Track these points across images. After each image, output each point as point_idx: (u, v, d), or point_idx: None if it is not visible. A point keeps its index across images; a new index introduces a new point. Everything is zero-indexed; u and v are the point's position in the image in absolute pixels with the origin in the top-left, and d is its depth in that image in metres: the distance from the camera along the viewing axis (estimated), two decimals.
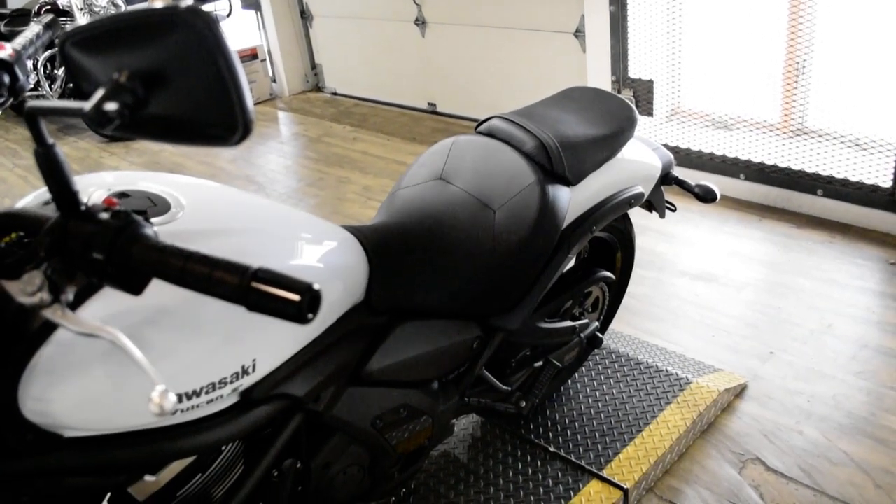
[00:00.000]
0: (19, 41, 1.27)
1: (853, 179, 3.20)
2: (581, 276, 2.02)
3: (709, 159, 3.62)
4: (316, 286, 0.75)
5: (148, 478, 1.20)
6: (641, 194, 1.93)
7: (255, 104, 6.12)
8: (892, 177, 3.09)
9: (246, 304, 0.75)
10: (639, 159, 1.95)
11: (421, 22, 5.06)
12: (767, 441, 2.16)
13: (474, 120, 5.05)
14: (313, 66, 6.21)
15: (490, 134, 1.77)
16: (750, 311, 2.76)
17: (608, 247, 2.19)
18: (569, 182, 1.71)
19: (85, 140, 5.82)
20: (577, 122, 1.79)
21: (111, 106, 0.78)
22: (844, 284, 2.85)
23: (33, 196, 1.19)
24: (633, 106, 1.91)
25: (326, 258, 1.31)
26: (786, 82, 3.49)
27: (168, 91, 0.80)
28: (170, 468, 1.24)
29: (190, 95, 0.79)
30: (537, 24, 4.38)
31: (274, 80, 6.23)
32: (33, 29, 1.31)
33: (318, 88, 6.25)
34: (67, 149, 5.66)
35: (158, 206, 1.18)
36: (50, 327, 0.98)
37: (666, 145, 3.68)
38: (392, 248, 1.50)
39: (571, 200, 1.72)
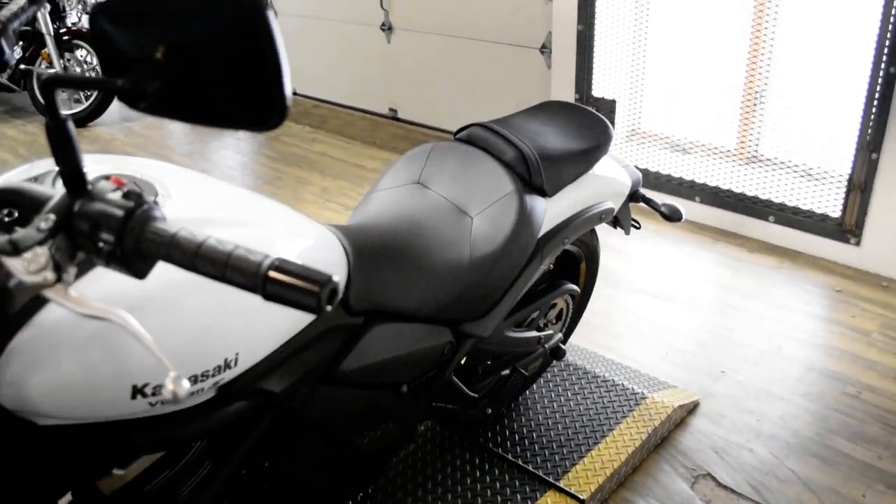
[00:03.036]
0: (4, 13, 1.23)
1: (804, 208, 3.31)
2: (547, 288, 2.04)
3: (666, 181, 3.70)
4: (336, 278, 0.75)
5: (117, 471, 1.17)
6: (612, 209, 1.96)
7: None
8: (840, 207, 3.20)
9: (263, 293, 0.74)
10: (611, 175, 1.99)
11: (387, 27, 5.06)
12: (718, 457, 2.21)
13: (435, 129, 5.07)
14: None
15: (469, 141, 1.78)
16: (703, 331, 2.82)
17: (573, 259, 2.22)
18: (546, 193, 1.73)
19: (33, 124, 5.64)
20: (556, 135, 1.82)
21: (147, 82, 0.76)
22: (793, 308, 2.94)
23: (18, 171, 1.16)
24: (609, 124, 1.94)
25: (309, 254, 1.29)
26: (743, 110, 3.60)
27: (207, 71, 0.79)
28: (137, 463, 1.21)
29: (229, 77, 0.78)
30: (504, 37, 4.43)
31: None
32: (18, 1, 1.27)
33: None
34: (14, 132, 5.49)
35: (146, 191, 1.16)
36: (32, 309, 0.95)
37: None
38: (370, 249, 1.50)
39: (547, 212, 1.74)
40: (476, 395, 1.84)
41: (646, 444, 2.23)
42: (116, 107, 5.88)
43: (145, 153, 4.95)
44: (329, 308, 0.73)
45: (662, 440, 2.29)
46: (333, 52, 5.55)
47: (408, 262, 1.54)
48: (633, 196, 2.14)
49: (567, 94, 3.92)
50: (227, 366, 1.11)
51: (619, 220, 2.18)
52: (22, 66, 5.64)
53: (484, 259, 1.59)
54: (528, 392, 2.38)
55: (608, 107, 3.79)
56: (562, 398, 2.38)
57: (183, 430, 1.14)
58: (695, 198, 3.61)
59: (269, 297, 0.73)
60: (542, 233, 1.75)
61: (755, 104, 3.55)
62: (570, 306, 2.21)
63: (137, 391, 1.02)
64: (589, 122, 1.91)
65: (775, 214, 3.38)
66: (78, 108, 5.50)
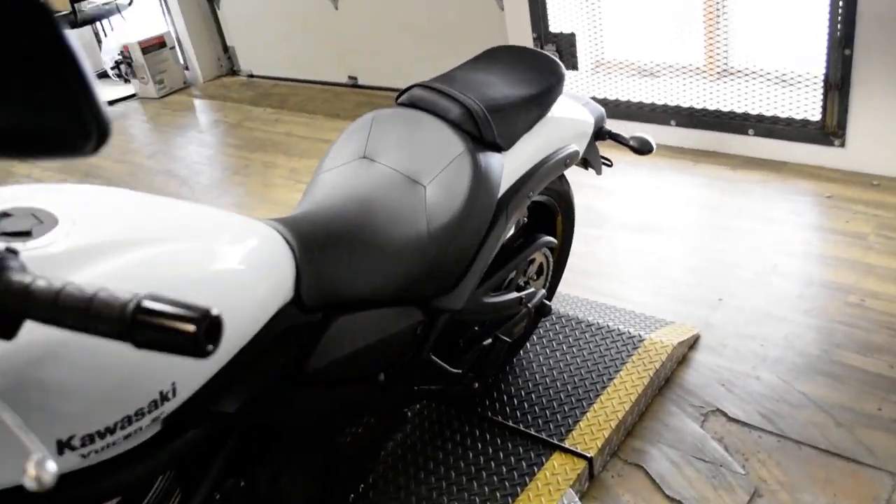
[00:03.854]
0: None
1: (782, 116, 3.18)
2: (522, 245, 1.93)
3: (637, 108, 3.57)
4: (214, 311, 0.64)
5: None
6: (576, 153, 1.85)
7: (169, 94, 5.86)
8: (820, 110, 3.08)
9: (132, 341, 0.63)
10: (570, 116, 1.87)
11: None
12: (726, 390, 2.13)
13: (398, 90, 4.91)
14: (225, 49, 5.96)
15: (412, 104, 1.66)
16: (695, 259, 2.73)
17: (547, 210, 2.11)
18: (500, 148, 1.62)
19: None
20: (503, 83, 1.70)
21: None
22: (783, 221, 2.84)
23: None
24: (559, 61, 1.82)
25: (243, 259, 1.19)
26: (707, 22, 3.45)
27: (3, 99, 0.67)
28: None
29: (31, 102, 0.67)
30: None
31: (186, 68, 5.96)
32: None
33: (233, 72, 6.01)
34: None
35: (45, 223, 1.04)
36: None
37: (594, 98, 3.62)
38: (318, 237, 1.39)
39: (505, 167, 1.63)
40: (460, 371, 1.75)
41: (649, 387, 2.15)
42: None
43: (109, 160, 4.81)
44: (211, 348, 0.63)
45: (666, 381, 2.21)
46: (283, 27, 5.36)
47: (362, 245, 1.44)
48: (599, 133, 2.02)
49: (524, 34, 3.76)
50: (165, 398, 1.02)
51: (589, 161, 2.07)
52: None
53: (443, 229, 1.49)
54: (521, 353, 2.29)
55: (568, 41, 3.65)
56: (557, 354, 2.29)
57: (132, 474, 1.05)
58: (670, 122, 3.49)
59: (141, 345, 0.63)
60: (502, 190, 1.64)
61: (718, 14, 3.40)
62: (550, 259, 2.11)
63: (63, 445, 0.92)
64: (537, 64, 1.79)
65: (754, 127, 3.25)
66: None
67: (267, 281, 1.23)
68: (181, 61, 5.94)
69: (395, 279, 1.46)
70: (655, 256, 2.78)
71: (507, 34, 3.87)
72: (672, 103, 3.48)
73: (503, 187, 1.64)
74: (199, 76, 5.92)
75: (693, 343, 2.34)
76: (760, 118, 3.24)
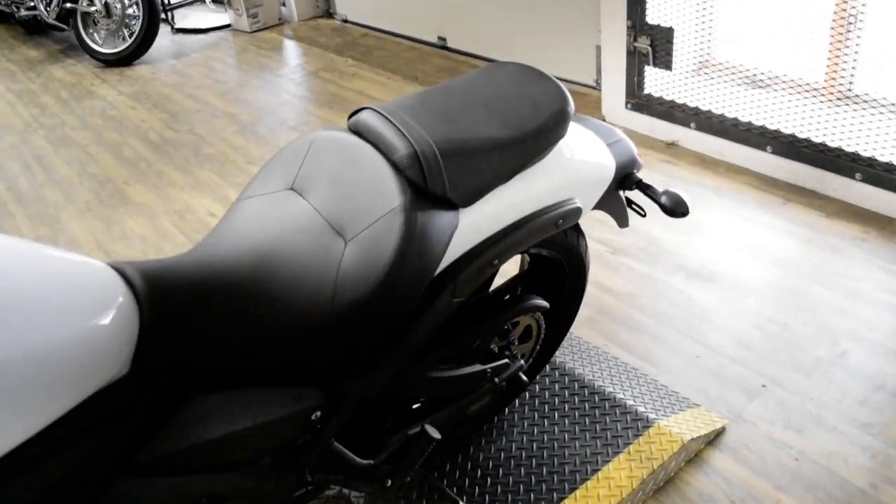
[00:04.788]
0: None
1: None
2: (502, 305, 1.58)
3: (732, 125, 3.07)
4: None
5: None
6: (576, 210, 1.47)
7: (262, 29, 5.67)
8: None
9: None
10: (578, 161, 1.49)
11: None
12: None
13: (484, 58, 4.53)
14: None
15: (358, 132, 1.33)
16: (749, 326, 2.29)
17: (551, 263, 1.75)
18: (454, 204, 1.27)
19: (83, 64, 5.48)
20: (483, 117, 1.34)
21: None
22: (871, 298, 2.34)
23: None
24: (567, 94, 1.43)
25: (50, 313, 0.91)
26: (834, 35, 2.89)
27: None
28: None
29: None
30: None
31: (283, 4, 5.75)
32: None
33: (329, 14, 5.75)
34: (62, 72, 5.35)
35: None
36: None
37: (684, 106, 3.15)
38: (186, 290, 1.10)
39: (460, 228, 1.29)
40: (371, 462, 1.44)
41: (644, 486, 1.79)
42: (162, 44, 5.63)
43: (180, 93, 4.68)
44: None
45: (666, 482, 1.84)
46: None
47: (246, 306, 1.14)
48: (625, 181, 1.63)
49: (618, 22, 3.30)
50: None
51: (611, 211, 1.69)
52: (67, 5, 5.45)
53: (353, 303, 1.17)
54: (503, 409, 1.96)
55: (664, 36, 3.16)
56: (545, 420, 1.95)
57: None
58: (766, 147, 2.98)
59: None
60: (451, 258, 1.30)
61: (848, 26, 2.84)
62: (542, 324, 1.75)
63: None
64: (538, 96, 1.41)
65: (863, 171, 2.72)
66: (122, 46, 5.28)
67: (85, 345, 0.95)
68: None
69: (284, 354, 1.16)
70: (705, 313, 2.35)
71: (600, 15, 3.41)
72: (772, 126, 2.96)
73: (452, 255, 1.29)
74: (294, 14, 5.70)
75: (714, 437, 1.94)
76: (872, 162, 2.69)
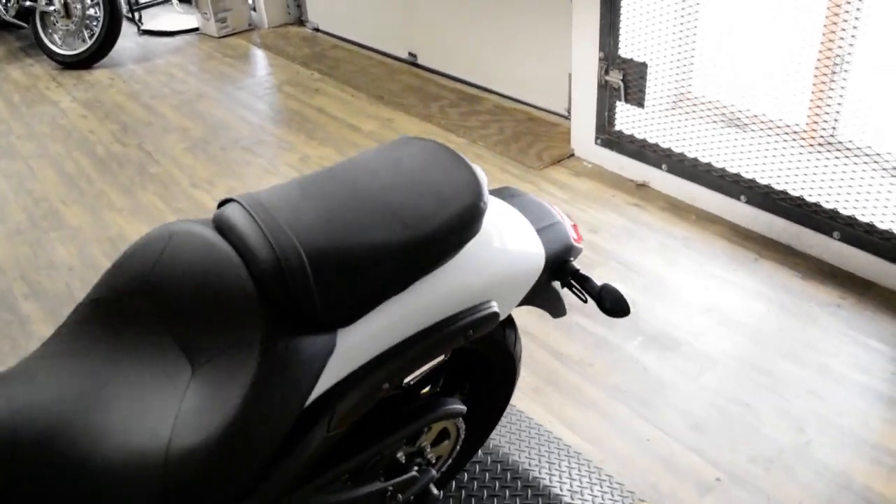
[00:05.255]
0: None
1: (881, 226, 2.43)
2: (408, 415, 1.36)
3: (705, 170, 2.87)
4: None
5: None
6: (492, 316, 1.25)
7: (230, 35, 5.43)
8: None
9: None
10: (500, 255, 1.27)
11: None
12: None
13: (454, 78, 4.32)
14: None
15: (221, 230, 1.10)
16: (707, 406, 2.08)
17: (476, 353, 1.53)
18: (329, 325, 1.06)
19: (41, 65, 5.23)
20: (375, 214, 1.12)
21: None
22: (842, 378, 2.14)
23: None
24: (482, 184, 1.21)
25: None
26: (817, 76, 2.69)
27: None
28: None
29: None
30: None
31: (253, 9, 5.51)
32: None
33: (300, 22, 5.52)
34: (19, 73, 5.10)
35: None
36: None
37: (655, 146, 2.94)
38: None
39: (338, 352, 1.07)
40: None
41: None
42: (126, 46, 5.38)
43: (135, 102, 4.45)
44: None
45: None
46: None
47: (66, 455, 0.92)
48: (559, 271, 1.41)
49: (589, 52, 3.09)
50: None
51: (543, 305, 1.47)
52: (27, 3, 5.19)
53: (190, 451, 0.95)
54: None
55: (637, 71, 2.95)
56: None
57: None
58: (740, 196, 2.78)
59: None
60: (325, 387, 1.08)
61: (833, 71, 2.64)
62: (461, 430, 1.53)
63: None
64: (446, 185, 1.19)
65: (842, 230, 2.52)
66: (81, 49, 5.03)
67: None
68: (249, 1, 5.49)
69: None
70: (660, 388, 2.15)
71: (571, 35, 3.20)
72: (747, 174, 2.76)
73: (328, 381, 1.07)
74: (265, 21, 5.46)
75: None
76: (852, 221, 2.49)
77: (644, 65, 2.93)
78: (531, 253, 1.32)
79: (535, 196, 1.49)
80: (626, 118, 3.11)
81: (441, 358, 1.52)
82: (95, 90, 4.72)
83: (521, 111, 3.89)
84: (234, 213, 1.08)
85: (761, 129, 2.85)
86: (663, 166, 3.01)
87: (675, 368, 2.21)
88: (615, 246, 2.79)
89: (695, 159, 2.89)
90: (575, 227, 1.50)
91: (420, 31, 4.43)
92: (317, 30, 5.34)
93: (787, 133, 2.80)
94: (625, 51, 2.98)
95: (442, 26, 4.25)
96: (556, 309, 1.48)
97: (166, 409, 0.98)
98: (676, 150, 2.95)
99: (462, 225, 1.15)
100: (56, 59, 5.11)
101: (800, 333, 2.31)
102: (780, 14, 3.04)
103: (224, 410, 0.95)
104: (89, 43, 5.01)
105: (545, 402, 2.13)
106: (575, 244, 1.42)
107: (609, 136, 3.19)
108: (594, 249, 2.77)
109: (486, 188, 1.20)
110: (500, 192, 1.48)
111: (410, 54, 4.56)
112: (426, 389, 1.57)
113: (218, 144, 3.85)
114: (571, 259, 1.42)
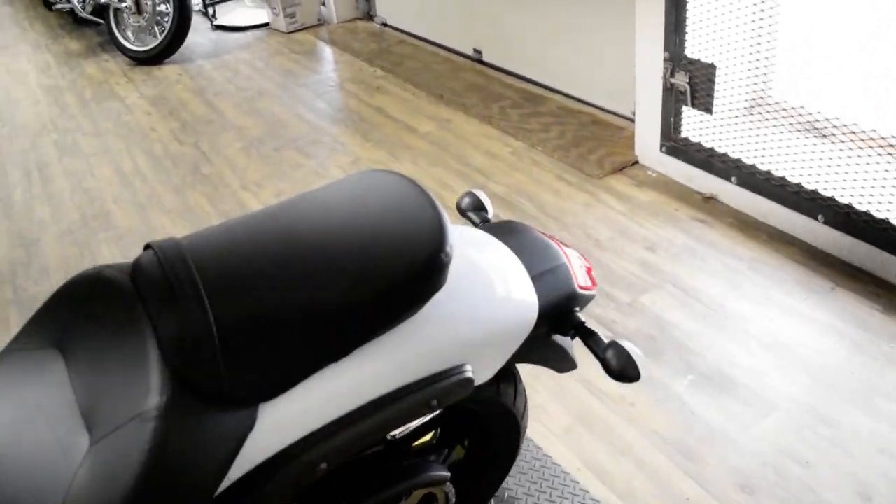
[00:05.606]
0: None
1: None
2: (381, 482, 1.20)
3: (779, 185, 2.58)
4: None
5: None
6: (464, 383, 1.07)
7: (299, 30, 5.37)
8: None
9: None
10: (477, 310, 1.09)
11: None
12: None
13: (518, 76, 4.11)
14: None
15: (136, 283, 0.95)
16: (760, 462, 1.84)
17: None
18: (242, 400, 0.90)
19: (115, 61, 5.31)
20: (313, 267, 0.95)
21: None
22: None
23: None
24: (446, 231, 1.02)
25: None
26: None
27: None
28: None
29: None
30: None
31: (323, 4, 5.43)
32: None
33: (369, 16, 5.40)
34: (94, 69, 5.19)
35: None
36: None
37: (725, 156, 2.67)
38: None
39: (259, 429, 0.91)
40: None
41: None
42: (198, 42, 5.41)
43: (199, 99, 4.43)
44: None
45: None
46: None
47: None
48: (559, 324, 1.22)
49: (653, 52, 2.84)
50: None
51: (543, 362, 1.28)
52: (101, 0, 5.27)
53: None
54: None
55: (705, 73, 2.68)
56: None
57: None
58: (817, 216, 2.48)
59: None
60: (245, 469, 0.92)
61: None
62: (451, 496, 1.36)
63: None
64: (404, 232, 1.01)
65: None
66: (152, 45, 5.07)
67: None
68: None
69: None
70: (709, 436, 1.91)
71: (635, 42, 2.95)
72: (827, 191, 2.46)
73: (249, 462, 0.92)
74: (334, 15, 5.38)
75: None
76: None
77: (713, 66, 2.66)
78: (519, 304, 1.13)
79: (540, 233, 1.30)
80: (694, 124, 2.84)
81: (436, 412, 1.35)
82: (162, 86, 4.74)
83: (586, 113, 3.65)
84: (148, 265, 0.94)
85: (849, 140, 2.53)
86: (733, 178, 2.73)
87: (728, 414, 1.97)
88: (673, 266, 2.54)
89: (768, 172, 2.61)
90: (588, 270, 1.30)
91: (485, 26, 4.24)
92: (385, 24, 5.21)
93: (879, 146, 2.48)
94: (692, 51, 2.71)
95: (507, 22, 4.04)
96: (560, 365, 1.28)
97: (56, 488, 0.85)
98: (748, 160, 2.67)
99: (418, 280, 0.97)
100: (128, 54, 5.17)
101: (876, 378, 2.02)
102: (885, 6, 2.72)
103: (113, 496, 0.81)
104: (160, 39, 5.03)
105: (575, 444, 1.93)
106: (580, 292, 1.22)
107: (675, 144, 2.93)
108: (649, 270, 2.53)
109: (448, 235, 1.01)
110: (499, 228, 1.29)
111: (475, 51, 4.37)
112: (423, 439, 1.41)
113: (273, 144, 3.77)
114: (576, 309, 1.22)
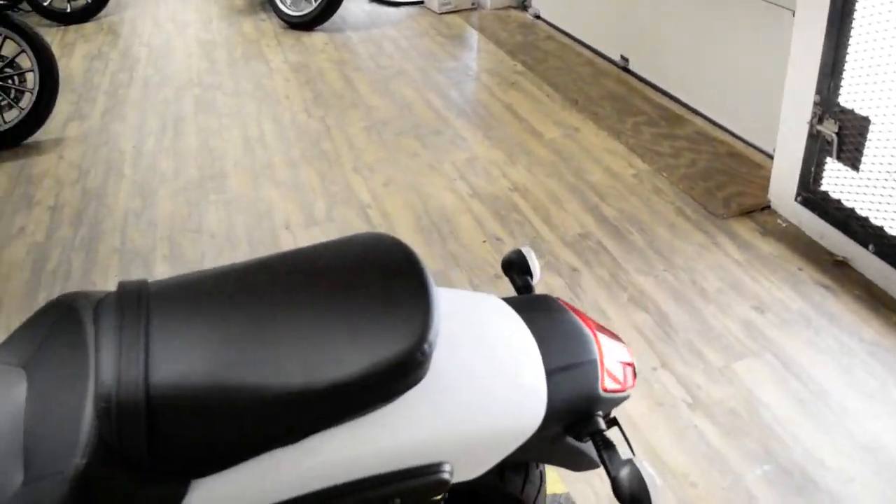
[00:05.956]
0: None
1: None
2: None
3: None
4: None
5: None
6: (433, 484, 0.95)
7: (451, 12, 5.30)
8: None
9: None
10: (465, 402, 0.96)
11: None
12: None
13: (664, 93, 3.85)
14: None
15: (97, 322, 0.89)
16: None
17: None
18: (171, 474, 0.83)
19: (271, 21, 5.44)
20: (272, 347, 0.86)
21: None
22: None
23: None
24: (431, 322, 0.90)
25: None
26: None
27: None
28: None
29: None
30: None
31: None
32: None
33: (523, 6, 5.24)
34: (250, 27, 5.34)
35: None
36: None
37: (865, 220, 2.38)
38: None
39: (191, 502, 0.84)
40: None
41: None
42: (352, 12, 5.45)
43: (337, 72, 4.46)
44: None
45: None
46: None
47: None
48: (577, 427, 1.07)
49: (804, 90, 2.55)
50: None
51: (554, 462, 1.14)
52: None
53: None
54: None
55: (857, 126, 2.38)
56: None
57: None
58: None
59: None
60: None
61: None
62: None
63: None
64: (380, 316, 0.90)
65: None
66: (306, 10, 5.15)
67: None
68: None
69: None
70: None
71: (785, 77, 2.67)
72: None
73: None
74: (488, 1, 5.26)
75: None
76: None
77: (867, 120, 2.35)
78: (520, 401, 1.00)
79: (579, 316, 1.15)
80: (836, 179, 2.53)
81: None
82: (307, 54, 4.80)
83: (724, 142, 3.37)
84: (107, 309, 0.88)
85: None
86: (870, 246, 2.42)
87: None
88: (779, 334, 2.29)
89: None
90: (630, 366, 1.14)
91: (635, 33, 3.99)
92: (538, 17, 5.05)
93: None
94: (846, 99, 2.41)
95: (658, 32, 3.79)
96: (578, 464, 1.14)
97: None
98: (891, 230, 2.35)
99: (389, 375, 0.86)
100: (283, 17, 5.27)
101: None
102: None
103: None
104: (314, 5, 5.10)
105: None
106: (603, 394, 1.07)
107: (812, 196, 2.63)
108: (752, 334, 2.29)
109: (431, 330, 0.89)
110: (531, 304, 1.15)
111: (623, 58, 4.14)
112: None
113: (395, 128, 3.73)
114: (598, 413, 1.07)
